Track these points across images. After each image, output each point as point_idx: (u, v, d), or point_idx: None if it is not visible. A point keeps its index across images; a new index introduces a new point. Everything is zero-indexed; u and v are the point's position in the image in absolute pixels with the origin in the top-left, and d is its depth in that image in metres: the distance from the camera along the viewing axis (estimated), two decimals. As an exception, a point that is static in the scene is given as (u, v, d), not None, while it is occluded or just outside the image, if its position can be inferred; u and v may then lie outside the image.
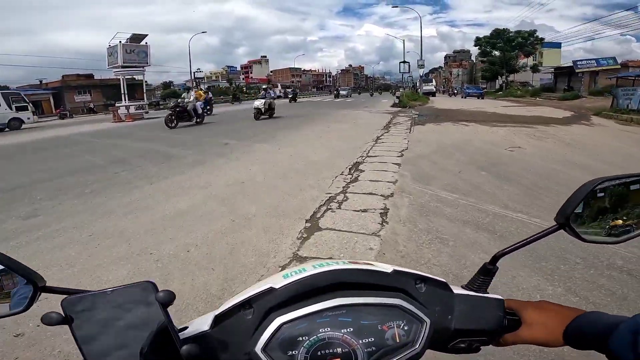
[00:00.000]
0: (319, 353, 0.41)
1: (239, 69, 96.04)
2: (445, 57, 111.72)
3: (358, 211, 3.66)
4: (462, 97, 32.90)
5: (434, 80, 45.67)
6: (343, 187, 4.46)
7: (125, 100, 16.56)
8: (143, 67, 17.01)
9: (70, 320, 0.36)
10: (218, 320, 0.43)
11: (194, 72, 47.17)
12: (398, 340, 0.43)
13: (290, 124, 11.67)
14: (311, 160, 5.96)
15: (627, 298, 2.07)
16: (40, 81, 43.92)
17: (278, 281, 0.43)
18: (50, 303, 0.42)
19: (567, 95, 25.53)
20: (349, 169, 5.39)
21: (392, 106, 20.71)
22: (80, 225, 3.48)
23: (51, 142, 10.27)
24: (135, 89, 45.40)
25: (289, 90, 36.92)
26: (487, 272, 0.50)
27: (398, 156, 6.31)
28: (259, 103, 12.92)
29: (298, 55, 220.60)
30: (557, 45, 51.91)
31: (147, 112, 16.81)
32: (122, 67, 16.33)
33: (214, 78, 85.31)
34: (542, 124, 11.20)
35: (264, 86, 19.79)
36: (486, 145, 7.48)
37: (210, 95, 15.73)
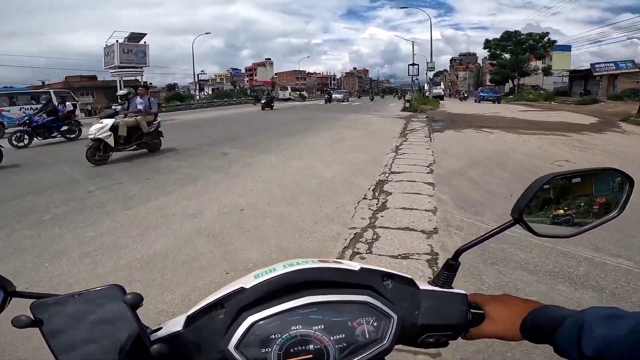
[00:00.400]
0: (291, 350, 0.41)
1: (243, 71, 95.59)
2: (451, 60, 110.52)
3: (396, 257, 2.69)
4: (475, 102, 29.70)
5: (442, 83, 44.53)
6: (370, 218, 3.47)
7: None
8: (141, 67, 16.12)
9: (39, 323, 0.36)
10: (190, 320, 0.43)
11: (197, 74, 46.69)
12: (368, 336, 0.44)
13: (297, 130, 10.69)
14: (325, 178, 4.97)
15: None
16: (43, 82, 43.61)
17: (249, 281, 0.44)
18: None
19: (584, 100, 24.40)
20: (373, 190, 4.40)
21: (403, 110, 19.71)
22: (16, 273, 2.51)
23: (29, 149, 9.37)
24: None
25: (264, 94, 26.51)
26: (450, 268, 0.52)
27: (427, 172, 5.32)
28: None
29: (303, 57, 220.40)
30: (567, 48, 50.73)
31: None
32: (119, 67, 15.46)
33: (218, 80, 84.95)
34: (572, 132, 10.23)
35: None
36: (526, 157, 6.47)
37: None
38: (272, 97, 24.97)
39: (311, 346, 0.42)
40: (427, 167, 5.69)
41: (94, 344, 0.37)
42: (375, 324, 0.44)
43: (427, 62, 27.51)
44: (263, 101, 23.18)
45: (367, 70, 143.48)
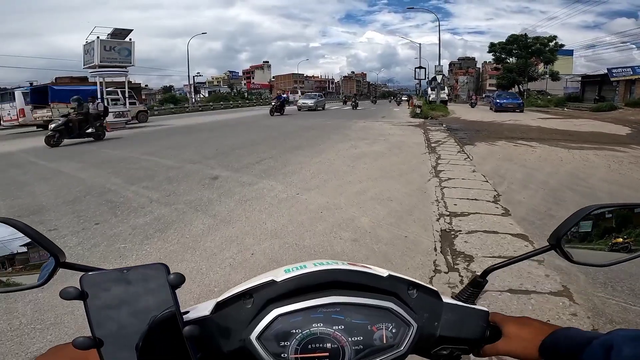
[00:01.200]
0: (309, 346, 0.42)
1: (240, 74, 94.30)
2: (450, 65, 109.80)
3: None
4: (491, 109, 23.07)
5: (446, 88, 42.98)
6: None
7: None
8: (126, 67, 14.38)
9: (85, 296, 0.37)
10: (219, 307, 0.44)
11: (193, 76, 45.05)
12: (385, 341, 0.44)
13: (304, 142, 9.03)
14: (361, 229, 3.32)
15: None
16: (31, 83, 41.92)
17: (279, 275, 0.45)
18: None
19: (601, 106, 23.04)
20: (441, 251, 2.78)
21: (413, 117, 18.18)
22: None
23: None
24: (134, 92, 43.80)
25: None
26: (477, 285, 0.52)
27: (501, 213, 3.75)
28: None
29: (301, 60, 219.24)
30: (569, 52, 49.74)
31: (129, 120, 14.20)
32: (100, 66, 13.73)
33: (215, 83, 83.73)
34: (619, 145, 8.88)
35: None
36: (610, 185, 4.90)
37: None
38: (285, 101, 21.49)
39: (329, 345, 0.42)
40: (494, 202, 4.10)
41: (131, 320, 0.37)
42: (394, 331, 0.45)
43: (435, 66, 26.06)
44: (273, 104, 19.94)
45: (365, 74, 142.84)
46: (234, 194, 4.42)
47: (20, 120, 15.39)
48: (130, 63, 14.41)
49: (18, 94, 15.71)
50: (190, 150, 7.66)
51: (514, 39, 37.00)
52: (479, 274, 0.53)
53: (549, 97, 37.23)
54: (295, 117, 18.42)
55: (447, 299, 0.50)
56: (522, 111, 21.03)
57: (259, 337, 0.41)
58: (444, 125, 14.19)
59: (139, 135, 11.30)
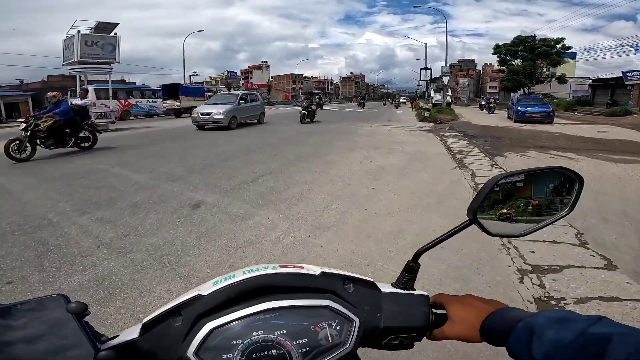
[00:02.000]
0: (254, 355, 0.41)
1: (239, 74, 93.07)
2: (450, 67, 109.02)
3: None
4: (509, 118, 18.06)
5: (450, 90, 41.73)
6: None
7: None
8: (110, 64, 13.05)
9: None
10: (146, 328, 0.42)
11: (190, 76, 43.76)
12: (331, 340, 0.43)
13: (308, 150, 7.78)
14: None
15: None
16: (21, 81, 40.68)
17: (207, 288, 0.43)
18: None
19: (615, 111, 21.95)
20: None
21: (421, 120, 16.98)
22: None
23: None
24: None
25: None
26: (411, 270, 0.51)
27: (607, 265, 2.62)
28: None
29: (300, 61, 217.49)
30: (572, 55, 48.82)
31: (113, 122, 12.88)
32: (80, 63, 12.38)
33: (213, 83, 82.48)
34: None
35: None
36: None
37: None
38: (316, 101, 17.71)
39: (274, 351, 0.41)
40: (582, 246, 2.95)
41: (37, 356, 0.36)
42: (338, 328, 0.44)
43: (441, 67, 24.91)
44: (304, 107, 14.71)
45: (364, 75, 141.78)
46: (219, 236, 3.15)
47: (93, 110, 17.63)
48: (115, 60, 13.05)
49: (90, 90, 18.70)
50: (172, 161, 6.38)
51: (520, 41, 35.94)
52: (410, 259, 0.52)
53: (555, 100, 36.22)
54: (294, 120, 17.14)
55: (385, 288, 0.50)
56: (551, 122, 15.80)
57: (196, 353, 0.40)
58: (458, 131, 13.03)
59: (118, 139, 10.00)
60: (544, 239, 3.15)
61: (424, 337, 0.50)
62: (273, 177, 5.14)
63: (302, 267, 0.47)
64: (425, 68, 24.82)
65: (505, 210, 0.53)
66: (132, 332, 0.43)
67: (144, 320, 0.43)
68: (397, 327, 0.48)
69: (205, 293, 0.42)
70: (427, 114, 17.23)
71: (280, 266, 0.46)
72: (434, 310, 0.50)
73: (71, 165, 6.21)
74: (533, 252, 2.89)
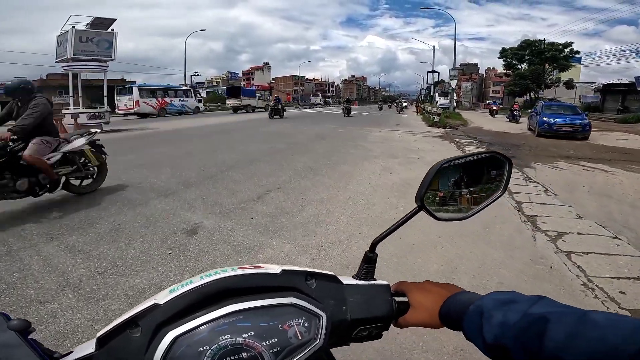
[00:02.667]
0: None
1: (240, 75, 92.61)
2: (452, 70, 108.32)
3: None
4: (530, 130, 14.63)
5: (455, 94, 41.02)
6: None
7: (72, 105, 11.74)
8: (105, 61, 12.33)
9: None
10: (102, 342, 0.41)
11: (191, 76, 43.01)
12: (300, 337, 0.43)
13: (317, 158, 7.06)
14: None
15: None
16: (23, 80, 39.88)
17: (163, 297, 0.42)
18: None
19: (628, 118, 21.28)
20: None
21: (430, 125, 16.29)
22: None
23: None
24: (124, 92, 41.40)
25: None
26: (369, 260, 0.52)
27: None
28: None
29: (302, 62, 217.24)
30: (577, 60, 48.29)
31: (107, 123, 12.15)
32: (73, 60, 11.65)
33: (214, 83, 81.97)
34: None
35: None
36: None
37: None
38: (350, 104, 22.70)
39: (244, 354, 0.41)
40: None
41: None
42: (306, 325, 0.44)
43: (449, 70, 24.24)
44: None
45: (365, 78, 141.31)
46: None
47: (135, 109, 21.53)
48: (111, 57, 12.31)
49: (135, 89, 22.23)
50: (166, 170, 5.64)
51: (527, 44, 35.34)
52: (367, 249, 0.53)
53: (562, 105, 35.56)
54: (297, 122, 16.44)
55: (347, 281, 0.50)
56: (586, 138, 12.59)
57: None
58: (472, 138, 12.34)
59: (110, 143, 9.28)
60: (629, 275, 2.48)
61: (391, 325, 0.51)
62: (283, 194, 4.41)
63: (262, 267, 0.46)
64: (433, 71, 24.18)
65: (448, 194, 0.55)
66: (87, 347, 0.41)
67: (98, 334, 0.41)
68: (363, 319, 0.48)
69: (161, 302, 0.41)
70: (436, 118, 16.51)
71: (239, 268, 0.45)
72: (396, 299, 0.51)
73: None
74: (623, 293, 2.19)
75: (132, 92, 22.08)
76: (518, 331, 0.35)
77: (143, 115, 21.59)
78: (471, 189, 0.56)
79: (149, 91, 23.17)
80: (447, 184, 0.55)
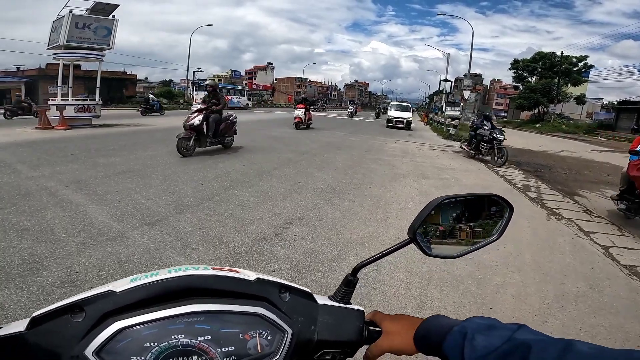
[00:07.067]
0: None
1: (243, 73, 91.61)
2: (455, 80, 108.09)
3: None
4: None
5: (461, 104, 40.09)
6: None
7: (59, 96, 10.40)
8: (101, 50, 11.20)
9: None
10: (36, 322, 0.38)
11: (193, 72, 41.96)
12: (260, 350, 0.41)
13: (338, 176, 6.01)
14: None
15: None
16: (18, 68, 38.82)
17: (122, 285, 0.40)
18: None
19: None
20: None
21: (445, 138, 15.27)
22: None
23: None
24: (125, 84, 40.26)
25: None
26: (349, 284, 0.51)
27: None
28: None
29: (307, 64, 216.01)
30: (586, 75, 47.76)
31: (98, 116, 11.02)
32: (66, 47, 10.52)
33: (216, 81, 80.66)
34: None
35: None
36: None
37: None
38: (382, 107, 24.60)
39: (195, 357, 0.38)
40: None
41: None
42: (269, 338, 0.42)
43: (462, 80, 23.27)
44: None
45: (368, 83, 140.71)
46: None
47: None
48: (108, 46, 11.14)
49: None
50: (156, 181, 4.53)
51: (540, 57, 34.55)
52: (349, 272, 0.51)
53: (571, 121, 34.79)
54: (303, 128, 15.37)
55: (322, 300, 0.49)
56: None
57: (97, 353, 0.36)
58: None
59: (96, 139, 8.18)
60: None
61: (355, 354, 0.49)
62: (308, 228, 3.33)
63: (237, 272, 0.44)
64: (445, 80, 23.23)
65: (442, 231, 0.54)
66: (18, 325, 0.38)
67: (35, 314, 0.38)
68: (330, 341, 0.46)
69: (117, 290, 0.39)
70: (452, 131, 15.51)
71: (212, 268, 0.43)
72: (369, 328, 0.49)
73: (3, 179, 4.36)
74: None
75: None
76: (502, 355, 0.35)
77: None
78: (470, 224, 0.55)
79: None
80: (448, 219, 0.54)
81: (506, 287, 2.61)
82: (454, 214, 0.54)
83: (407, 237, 0.51)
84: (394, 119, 19.84)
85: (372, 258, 0.51)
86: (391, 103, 23.13)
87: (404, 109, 21.25)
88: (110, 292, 0.38)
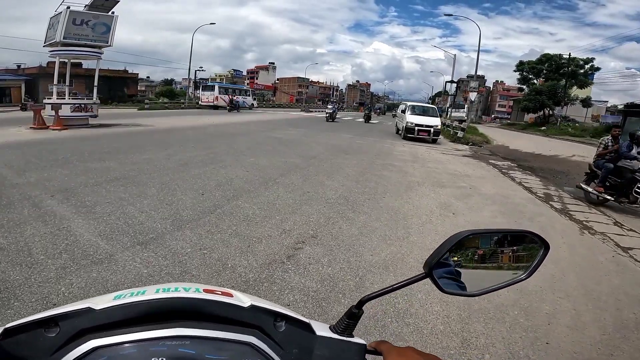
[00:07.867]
0: None
1: (244, 73, 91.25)
2: (458, 82, 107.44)
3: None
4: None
5: (465, 106, 39.58)
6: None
7: (55, 95, 10.09)
8: (99, 47, 10.83)
9: None
10: (8, 333, 0.37)
11: (195, 71, 41.59)
12: None
13: (351, 186, 5.62)
14: None
15: None
16: (18, 66, 38.60)
17: (103, 302, 0.38)
18: None
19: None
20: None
21: (453, 141, 14.86)
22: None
23: None
24: (127, 83, 39.85)
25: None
26: (352, 316, 0.47)
27: None
28: None
29: (309, 65, 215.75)
30: (591, 77, 47.30)
31: (96, 116, 10.64)
32: (63, 44, 10.16)
33: (218, 80, 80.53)
34: None
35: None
36: None
37: None
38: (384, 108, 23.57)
39: None
40: None
41: None
42: None
43: (468, 81, 22.89)
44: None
45: (369, 84, 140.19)
46: None
47: (215, 102, 27.68)
48: (107, 43, 10.79)
49: (216, 87, 29.56)
50: (152, 190, 4.14)
51: (546, 59, 34.07)
52: (354, 304, 0.47)
53: (577, 124, 34.30)
54: (306, 128, 14.98)
55: (322, 332, 0.45)
56: None
57: None
58: (510, 159, 10.96)
59: (87, 141, 7.78)
60: None
61: None
62: (323, 249, 2.92)
63: (230, 295, 0.42)
64: (451, 81, 22.85)
65: (489, 252, 0.51)
66: None
67: (7, 325, 0.37)
68: None
69: (97, 307, 0.37)
70: (460, 134, 15.10)
71: (205, 290, 0.41)
72: (372, 357, 0.46)
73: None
74: None
75: (214, 89, 28.83)
76: None
77: (216, 108, 26.88)
78: (514, 248, 0.51)
79: (224, 89, 29.87)
80: (489, 242, 0.51)
81: (558, 317, 2.26)
82: (479, 249, 0.51)
83: (423, 271, 0.48)
84: (416, 128, 13.36)
85: (380, 291, 0.47)
86: (408, 104, 15.42)
87: (428, 112, 14.78)
88: (88, 309, 0.37)
